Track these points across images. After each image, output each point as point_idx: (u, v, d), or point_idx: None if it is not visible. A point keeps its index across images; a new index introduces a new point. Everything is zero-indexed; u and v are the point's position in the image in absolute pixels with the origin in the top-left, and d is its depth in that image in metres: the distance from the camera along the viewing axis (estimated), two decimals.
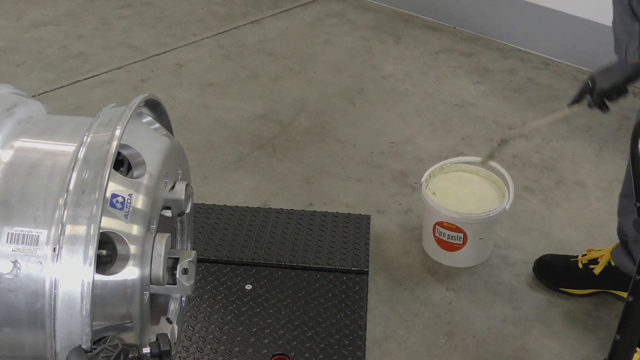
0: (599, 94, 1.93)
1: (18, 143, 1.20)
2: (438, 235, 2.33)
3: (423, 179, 2.39)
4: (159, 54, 3.76)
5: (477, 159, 2.45)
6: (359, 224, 2.47)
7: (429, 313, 2.20)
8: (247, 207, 2.54)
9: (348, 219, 2.49)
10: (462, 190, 2.40)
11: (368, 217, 2.52)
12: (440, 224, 2.29)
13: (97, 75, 3.54)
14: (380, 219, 2.58)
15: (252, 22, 4.16)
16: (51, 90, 3.38)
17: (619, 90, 1.90)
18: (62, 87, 3.42)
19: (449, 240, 2.31)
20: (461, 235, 2.29)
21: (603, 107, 1.95)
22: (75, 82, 3.46)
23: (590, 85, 1.94)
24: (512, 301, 2.26)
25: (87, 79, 3.50)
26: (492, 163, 2.41)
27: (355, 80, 3.54)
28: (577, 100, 2.00)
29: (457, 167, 2.48)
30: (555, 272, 2.29)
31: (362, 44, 3.91)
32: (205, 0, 4.42)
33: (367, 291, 2.20)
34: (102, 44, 3.85)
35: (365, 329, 2.08)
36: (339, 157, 2.95)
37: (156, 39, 3.92)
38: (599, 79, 1.92)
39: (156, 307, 1.45)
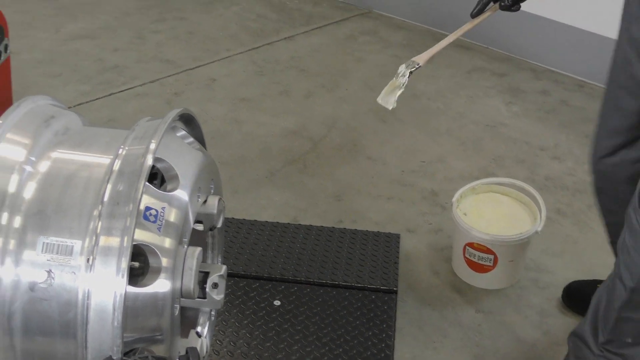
0: None
1: (55, 154, 1.21)
2: (468, 257, 2.31)
3: (454, 199, 2.37)
4: (193, 68, 3.79)
5: (510, 180, 2.44)
6: (388, 243, 2.46)
7: (457, 334, 2.18)
8: (277, 222, 2.55)
9: (378, 237, 2.49)
10: (493, 211, 2.38)
11: (398, 236, 2.51)
12: (471, 245, 2.28)
13: (131, 88, 3.57)
14: (410, 238, 2.57)
15: (285, 38, 4.18)
16: (86, 102, 3.42)
17: None
18: (97, 99, 3.46)
19: (479, 261, 2.29)
20: (491, 257, 2.27)
21: (518, 4, 1.78)
22: (109, 95, 3.50)
23: None
24: (542, 325, 2.23)
25: (121, 91, 3.54)
26: (521, 183, 2.39)
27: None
28: (488, 0, 1.82)
29: (489, 188, 2.46)
30: (585, 299, 2.26)
31: (394, 62, 3.90)
32: (239, 16, 4.45)
33: (395, 310, 2.19)
34: (137, 58, 3.89)
35: (393, 349, 2.07)
36: (369, 175, 2.94)
37: (190, 53, 3.95)
38: None
39: (186, 320, 1.45)
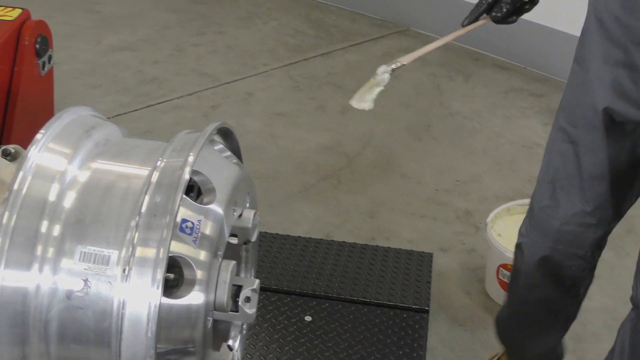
0: None
1: (95, 164, 1.23)
2: (501, 278, 2.29)
3: (488, 219, 2.35)
4: (230, 82, 3.82)
5: None
6: (421, 262, 2.45)
7: (489, 356, 2.16)
8: (310, 238, 2.55)
9: (410, 256, 2.48)
10: None
11: (430, 255, 2.49)
12: (505, 266, 2.26)
13: (170, 100, 3.61)
14: (443, 258, 2.55)
15: (322, 54, 4.20)
16: (125, 113, 3.47)
17: None
18: (136, 110, 3.51)
19: None
20: None
21: (516, 15, 1.65)
22: (148, 106, 3.54)
23: None
24: (576, 351, 2.20)
25: (159, 103, 3.58)
26: None
27: (423, 117, 3.54)
28: (482, 11, 1.67)
29: (524, 209, 2.43)
30: None
31: (430, 81, 3.91)
32: (277, 32, 4.48)
33: (427, 330, 2.18)
34: (176, 70, 3.93)
35: None
36: (403, 193, 2.94)
37: (228, 67, 3.99)
38: None
39: (217, 333, 1.46)
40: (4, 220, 1.11)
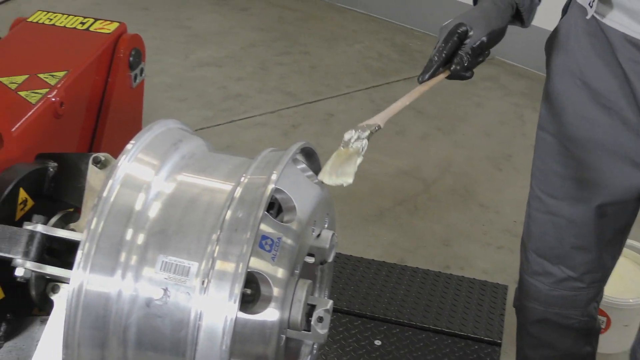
0: (477, 45, 1.44)
1: (180, 177, 1.25)
2: None
3: None
4: (312, 102, 3.87)
5: (628, 241, 2.34)
6: (495, 293, 2.41)
7: None
8: (384, 262, 2.54)
9: (484, 287, 2.44)
10: None
11: (505, 287, 2.45)
12: None
13: (252, 117, 3.67)
14: None
15: (405, 79, 4.20)
16: (207, 127, 3.54)
17: (494, 42, 1.48)
18: (218, 125, 3.58)
19: None
20: (604, 319, 2.18)
21: (471, 69, 1.49)
22: (230, 122, 3.61)
23: (461, 36, 1.45)
24: None
25: (241, 119, 3.64)
26: (638, 245, 2.29)
27: (504, 146, 3.49)
28: (439, 64, 1.49)
29: None
30: None
31: (513, 110, 3.86)
32: (361, 54, 4.51)
33: None
34: (259, 88, 4.00)
35: None
36: (480, 222, 2.90)
37: (310, 87, 4.03)
38: (476, 25, 1.45)
39: (289, 351, 1.46)
40: (92, 226, 1.14)
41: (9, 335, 1.34)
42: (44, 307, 1.31)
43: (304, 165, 1.41)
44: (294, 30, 4.70)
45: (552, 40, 1.66)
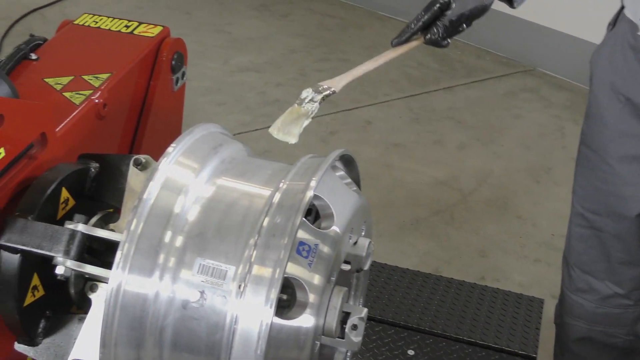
0: (457, 17, 1.47)
1: (220, 181, 1.26)
2: None
3: None
4: (350, 109, 3.87)
5: None
6: (530, 307, 2.38)
7: None
8: (419, 271, 2.53)
9: (520, 300, 2.41)
10: None
11: (541, 301, 2.42)
12: None
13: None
14: (554, 305, 2.47)
15: (444, 88, 4.18)
16: (245, 132, 3.56)
17: (477, 16, 1.51)
18: (256, 130, 3.59)
19: None
20: None
21: (448, 39, 1.51)
22: (268, 127, 3.60)
23: (442, 7, 1.48)
24: None
25: None
26: None
27: (543, 159, 3.46)
28: (414, 31, 1.52)
29: None
30: None
31: (554, 123, 3.82)
32: (401, 62, 4.50)
33: None
34: (298, 94, 3.99)
35: None
36: (517, 234, 2.87)
37: (348, 95, 4.03)
38: None
39: (322, 357, 1.46)
40: (132, 227, 1.16)
41: (48, 332, 1.36)
42: (82, 306, 1.33)
43: (342, 173, 1.41)
44: (334, 37, 4.71)
45: (598, 55, 1.65)
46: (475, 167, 3.35)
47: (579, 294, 1.72)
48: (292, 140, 1.44)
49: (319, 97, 1.48)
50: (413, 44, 1.57)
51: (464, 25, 1.52)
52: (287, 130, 1.46)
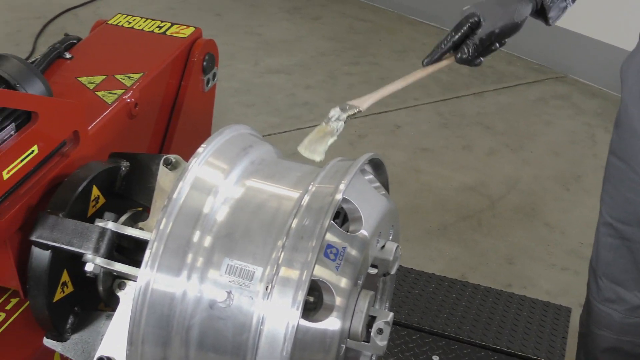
0: (486, 36, 1.47)
1: (249, 182, 1.27)
2: None
3: None
4: (379, 113, 3.86)
5: None
6: (557, 315, 2.36)
7: None
8: (445, 277, 2.51)
9: (547, 308, 2.39)
10: None
11: (568, 310, 2.40)
12: None
13: (318, 125, 3.69)
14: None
15: (473, 93, 4.16)
16: (274, 134, 3.57)
17: (508, 35, 1.51)
18: (284, 132, 3.60)
19: None
20: None
21: (480, 58, 1.52)
22: (297, 129, 3.63)
23: (473, 26, 1.48)
24: None
25: (308, 127, 3.65)
26: None
27: (573, 166, 3.43)
28: (444, 51, 1.53)
29: None
30: None
31: (585, 130, 3.78)
32: None
33: None
34: (327, 97, 4.01)
35: None
36: (545, 242, 2.85)
37: None
38: (490, 16, 1.47)
39: None
40: (161, 226, 1.16)
41: (76, 328, 1.38)
42: (110, 303, 1.34)
43: (371, 176, 1.41)
44: (364, 40, 4.70)
45: (628, 64, 1.63)
46: (504, 173, 3.33)
47: (607, 304, 1.71)
48: (318, 158, 1.47)
49: (345, 115, 1.52)
50: (444, 63, 1.58)
51: (497, 45, 1.52)
52: (313, 148, 1.50)
